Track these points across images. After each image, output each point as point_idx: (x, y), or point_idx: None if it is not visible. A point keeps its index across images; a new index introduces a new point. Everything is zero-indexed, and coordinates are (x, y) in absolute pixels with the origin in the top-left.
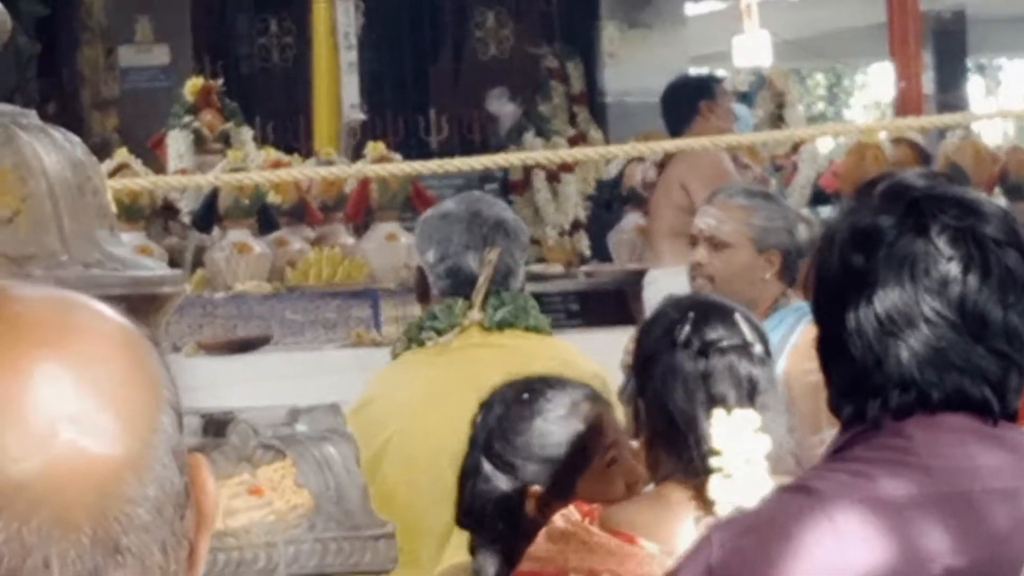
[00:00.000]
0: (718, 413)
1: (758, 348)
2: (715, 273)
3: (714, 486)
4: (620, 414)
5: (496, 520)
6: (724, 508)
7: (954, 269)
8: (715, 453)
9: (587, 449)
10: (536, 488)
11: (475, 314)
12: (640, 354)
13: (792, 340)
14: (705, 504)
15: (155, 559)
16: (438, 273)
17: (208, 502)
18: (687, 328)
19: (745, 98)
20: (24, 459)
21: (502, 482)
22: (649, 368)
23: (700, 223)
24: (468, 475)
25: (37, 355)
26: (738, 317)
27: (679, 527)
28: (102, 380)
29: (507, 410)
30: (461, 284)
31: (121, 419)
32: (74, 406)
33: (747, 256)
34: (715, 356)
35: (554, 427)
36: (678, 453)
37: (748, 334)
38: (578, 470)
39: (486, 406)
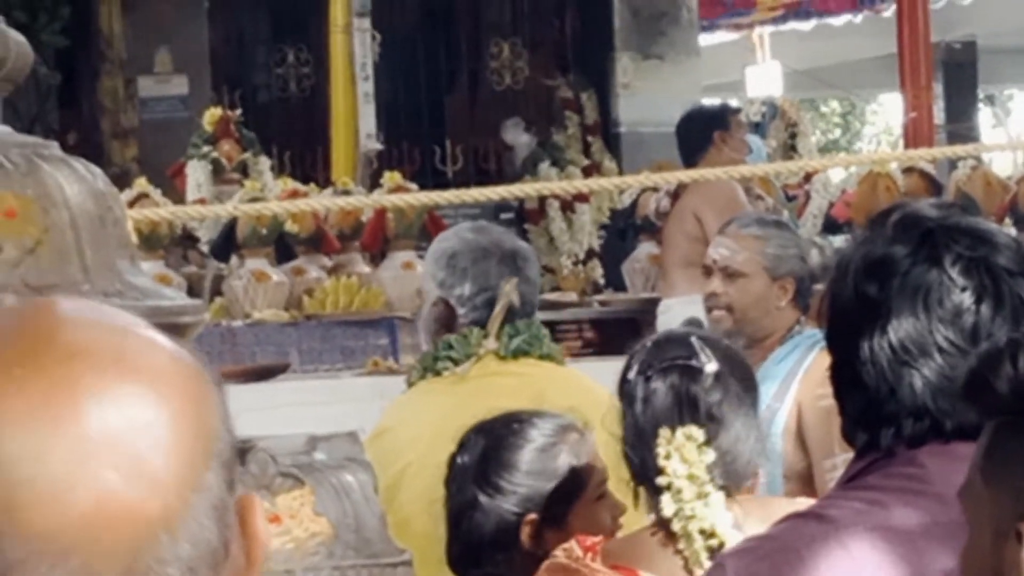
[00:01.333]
0: (662, 432)
1: (711, 367)
2: (731, 303)
3: (665, 504)
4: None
5: (493, 552)
6: (679, 526)
7: (967, 299)
8: (660, 472)
9: (579, 480)
10: (532, 516)
11: (491, 343)
12: (617, 392)
13: (804, 366)
14: (662, 520)
15: None
16: (474, 305)
17: (257, 548)
18: (641, 356)
19: (758, 128)
20: (62, 504)
21: (499, 511)
22: (621, 400)
23: (714, 253)
24: (463, 511)
25: (92, 391)
26: (694, 339)
27: (678, 559)
28: (154, 428)
29: (497, 440)
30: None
31: (165, 473)
32: (121, 452)
33: (762, 285)
34: (657, 378)
35: (547, 455)
36: (639, 477)
37: (700, 354)
38: (571, 500)
39: (467, 444)
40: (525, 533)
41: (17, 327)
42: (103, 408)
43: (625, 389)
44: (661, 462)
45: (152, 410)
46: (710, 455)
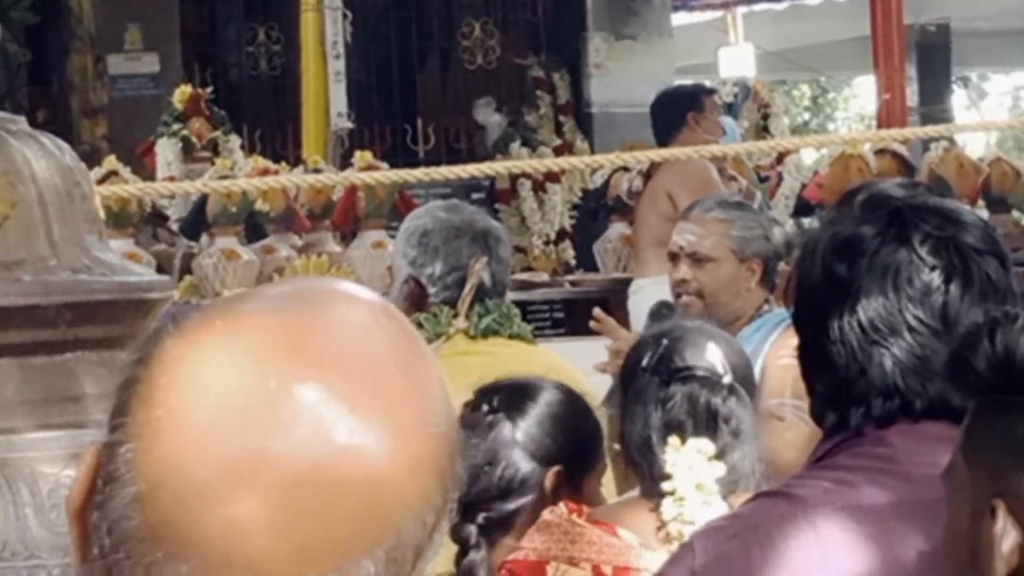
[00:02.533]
0: (672, 440)
1: (727, 379)
2: (701, 288)
3: (666, 508)
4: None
5: (506, 498)
6: (676, 529)
7: (936, 278)
8: (667, 477)
9: (599, 446)
10: (558, 467)
11: (460, 322)
12: (621, 374)
13: (769, 341)
14: (662, 523)
15: None
16: (445, 284)
17: None
18: (657, 354)
19: (730, 109)
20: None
21: (524, 461)
22: (624, 389)
23: (679, 240)
24: (491, 457)
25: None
26: (712, 345)
27: (654, 525)
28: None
29: (533, 392)
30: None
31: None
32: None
33: (730, 268)
34: (676, 384)
35: (582, 415)
36: (640, 473)
37: (719, 365)
38: (592, 463)
39: (496, 394)
40: (549, 482)
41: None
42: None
43: (634, 384)
44: (669, 469)
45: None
46: (720, 469)
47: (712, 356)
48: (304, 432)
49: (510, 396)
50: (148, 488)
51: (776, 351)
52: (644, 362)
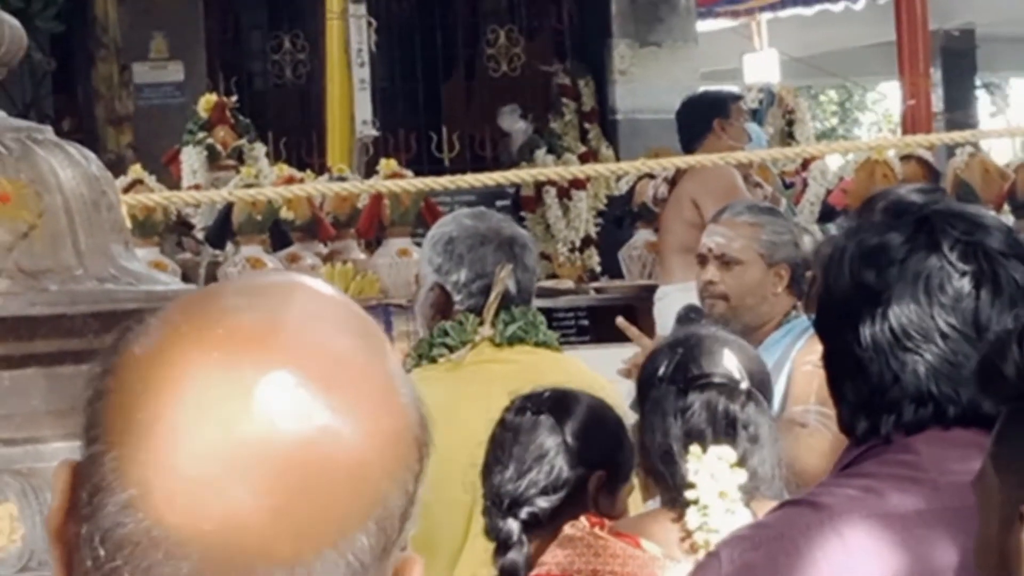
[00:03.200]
0: (693, 449)
1: (744, 384)
2: (728, 291)
3: (691, 518)
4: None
5: (544, 496)
6: (701, 538)
7: (967, 284)
8: (690, 486)
9: (632, 458)
10: (601, 473)
11: (486, 330)
12: (638, 384)
13: (797, 347)
14: (687, 532)
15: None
16: (470, 291)
17: None
18: (673, 363)
19: (755, 115)
20: (196, 511)
21: (569, 465)
22: (642, 399)
23: (708, 242)
24: (538, 459)
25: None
26: (728, 352)
27: (678, 536)
28: (319, 474)
29: (585, 403)
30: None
31: (309, 523)
32: (279, 482)
33: (758, 272)
34: (694, 392)
35: (622, 427)
36: (661, 483)
37: (734, 371)
38: (627, 475)
39: (540, 401)
40: (593, 485)
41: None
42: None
43: (652, 394)
44: (691, 478)
45: (333, 454)
46: (742, 475)
47: (728, 362)
48: (285, 416)
49: (555, 401)
50: (140, 491)
51: (803, 357)
52: (660, 372)
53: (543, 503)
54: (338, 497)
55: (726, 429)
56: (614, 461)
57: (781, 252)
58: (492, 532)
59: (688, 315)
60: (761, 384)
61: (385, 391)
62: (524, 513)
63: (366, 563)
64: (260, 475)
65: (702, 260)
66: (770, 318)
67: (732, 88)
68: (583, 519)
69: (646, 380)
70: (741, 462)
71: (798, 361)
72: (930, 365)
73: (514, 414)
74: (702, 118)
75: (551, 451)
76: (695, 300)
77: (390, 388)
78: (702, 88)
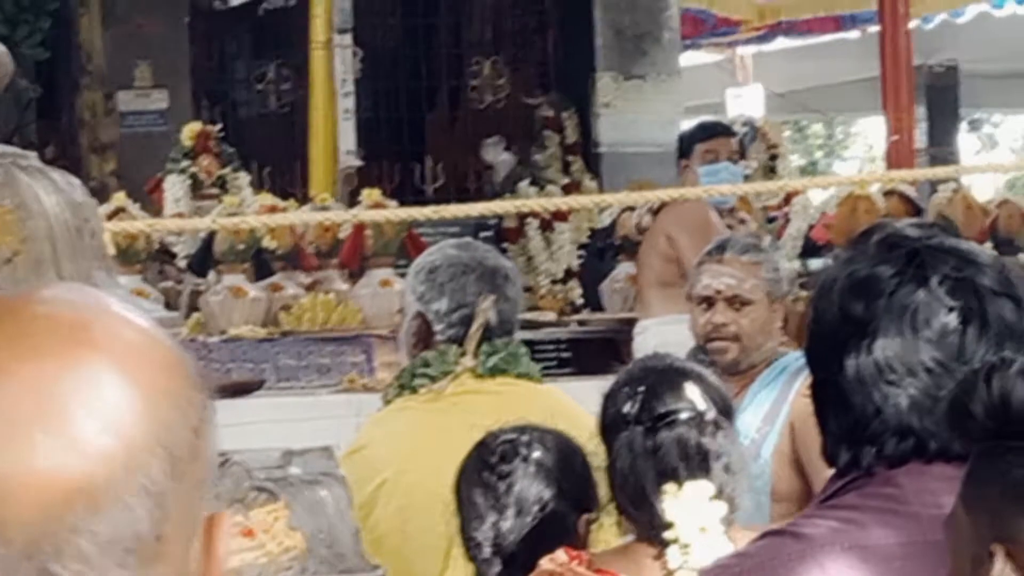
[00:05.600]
0: (668, 487)
1: (711, 415)
2: (740, 332)
3: (672, 556)
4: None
5: (541, 543)
6: (685, 575)
7: (954, 320)
8: (668, 526)
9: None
10: (591, 515)
11: (468, 361)
12: (600, 424)
13: (795, 387)
14: (668, 572)
15: None
16: (450, 321)
17: (213, 566)
18: (637, 403)
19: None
20: None
21: (564, 508)
22: (608, 440)
23: (716, 283)
24: (537, 504)
25: (42, 352)
26: (690, 384)
27: (659, 573)
28: (95, 398)
29: (568, 444)
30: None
31: (95, 445)
32: (53, 415)
33: (765, 310)
34: (663, 431)
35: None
36: (637, 523)
37: (700, 402)
38: (597, 512)
39: (534, 444)
40: (582, 529)
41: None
42: (46, 369)
43: (619, 436)
44: (669, 517)
45: (98, 380)
46: (722, 507)
47: (691, 394)
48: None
49: (550, 440)
50: None
51: (806, 406)
52: (625, 412)
53: (540, 550)
54: (122, 418)
55: (700, 463)
56: (593, 500)
57: (779, 288)
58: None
59: (696, 357)
60: (725, 409)
61: (153, 335)
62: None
63: (165, 490)
64: None
65: (708, 302)
66: (772, 355)
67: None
68: (561, 552)
69: (610, 422)
70: (719, 494)
71: (802, 412)
72: (912, 399)
73: (504, 454)
74: (679, 154)
75: (543, 495)
76: (674, 334)
77: (158, 335)
78: (682, 123)
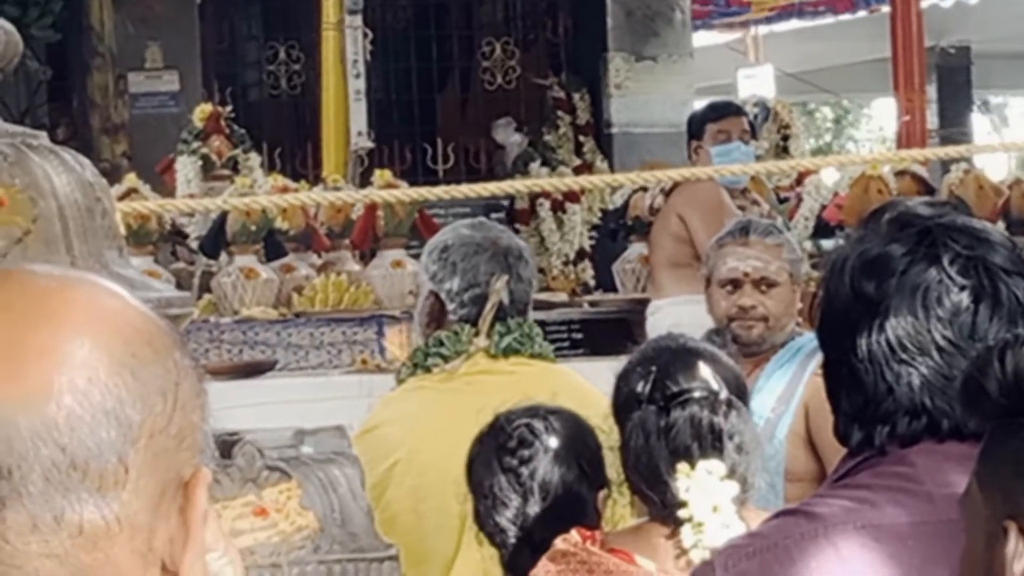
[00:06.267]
0: (681, 467)
1: (724, 394)
2: (768, 313)
3: (686, 535)
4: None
5: (560, 518)
6: (697, 556)
7: (966, 298)
8: (682, 505)
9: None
10: (607, 492)
11: (481, 341)
12: (614, 404)
13: (810, 368)
14: (682, 550)
15: (60, 510)
16: (462, 301)
17: (194, 515)
18: (649, 383)
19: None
20: None
21: (586, 486)
22: (621, 420)
23: (743, 266)
24: (561, 485)
25: (9, 307)
26: (702, 364)
27: (672, 552)
28: (53, 334)
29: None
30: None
31: (63, 358)
32: (9, 360)
33: (789, 291)
34: (676, 410)
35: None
36: (651, 502)
37: (712, 381)
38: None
39: (555, 425)
40: (601, 505)
41: None
42: (14, 320)
43: (632, 416)
44: (683, 496)
45: (64, 335)
46: (734, 487)
47: (704, 373)
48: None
49: (562, 420)
50: None
51: (821, 388)
52: (638, 391)
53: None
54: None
55: (713, 443)
56: (602, 471)
57: (799, 269)
58: (508, 565)
59: (711, 339)
60: (738, 389)
61: (128, 301)
62: (540, 541)
63: (132, 421)
64: None
65: (734, 284)
66: (792, 335)
67: (730, 100)
68: (574, 533)
69: (623, 402)
70: (731, 473)
71: (817, 394)
72: (924, 378)
73: (521, 435)
74: (690, 135)
75: (563, 475)
76: (687, 314)
77: (134, 302)
78: (695, 103)
